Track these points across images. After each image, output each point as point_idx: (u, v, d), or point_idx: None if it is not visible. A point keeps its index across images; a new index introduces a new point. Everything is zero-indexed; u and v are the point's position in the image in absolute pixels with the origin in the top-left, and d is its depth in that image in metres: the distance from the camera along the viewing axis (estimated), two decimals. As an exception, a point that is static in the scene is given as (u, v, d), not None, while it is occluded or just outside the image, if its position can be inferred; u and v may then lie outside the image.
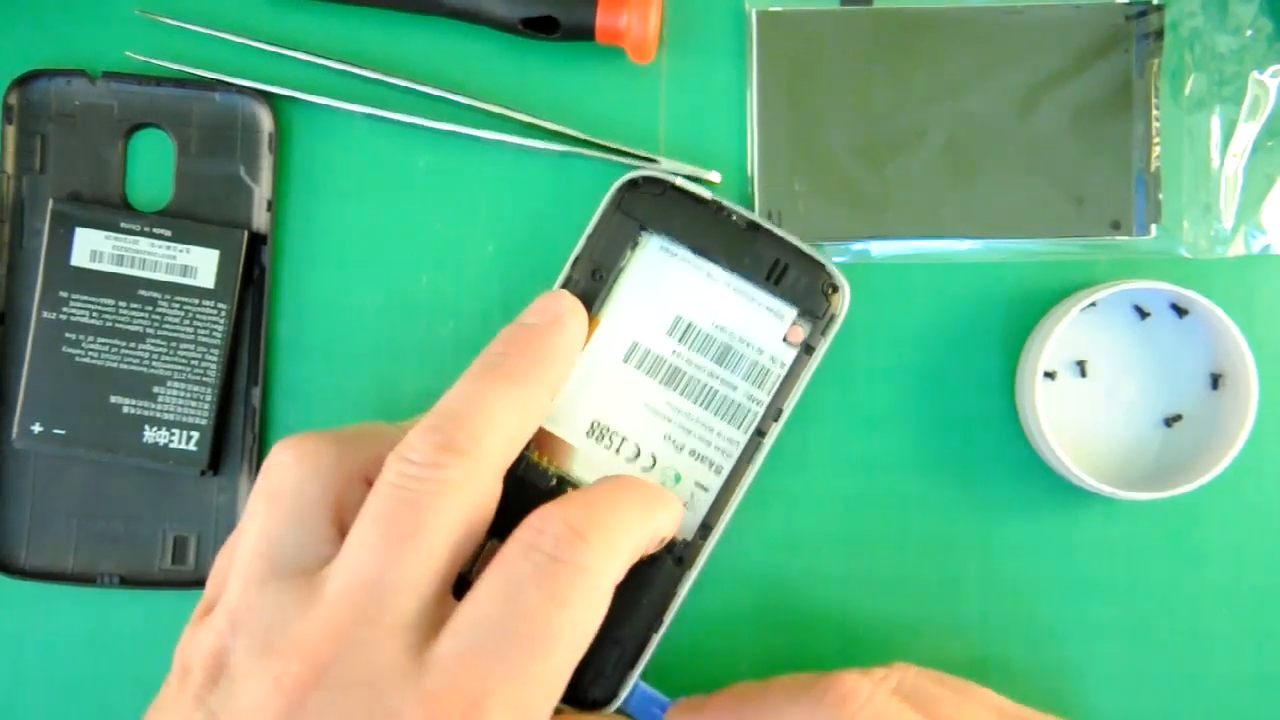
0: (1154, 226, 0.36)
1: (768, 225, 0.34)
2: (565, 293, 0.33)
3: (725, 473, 0.33)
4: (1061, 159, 0.36)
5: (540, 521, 0.27)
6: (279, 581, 0.27)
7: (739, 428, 0.33)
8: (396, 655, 0.25)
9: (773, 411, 0.33)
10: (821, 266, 0.33)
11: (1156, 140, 0.36)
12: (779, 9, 0.36)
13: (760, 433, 0.33)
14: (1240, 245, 0.36)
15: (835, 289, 0.34)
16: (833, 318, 0.34)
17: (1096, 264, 0.36)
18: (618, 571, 0.28)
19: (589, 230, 0.34)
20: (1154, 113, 0.35)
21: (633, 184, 0.34)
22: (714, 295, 0.34)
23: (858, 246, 0.36)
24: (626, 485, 0.30)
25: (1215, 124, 0.36)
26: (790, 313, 0.33)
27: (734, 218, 0.34)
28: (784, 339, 0.33)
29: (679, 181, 0.34)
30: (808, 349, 0.33)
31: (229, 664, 0.26)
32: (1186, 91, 0.35)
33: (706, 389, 0.33)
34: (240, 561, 0.27)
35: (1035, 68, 0.36)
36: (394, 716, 0.24)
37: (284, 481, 0.28)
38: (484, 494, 0.28)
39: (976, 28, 0.36)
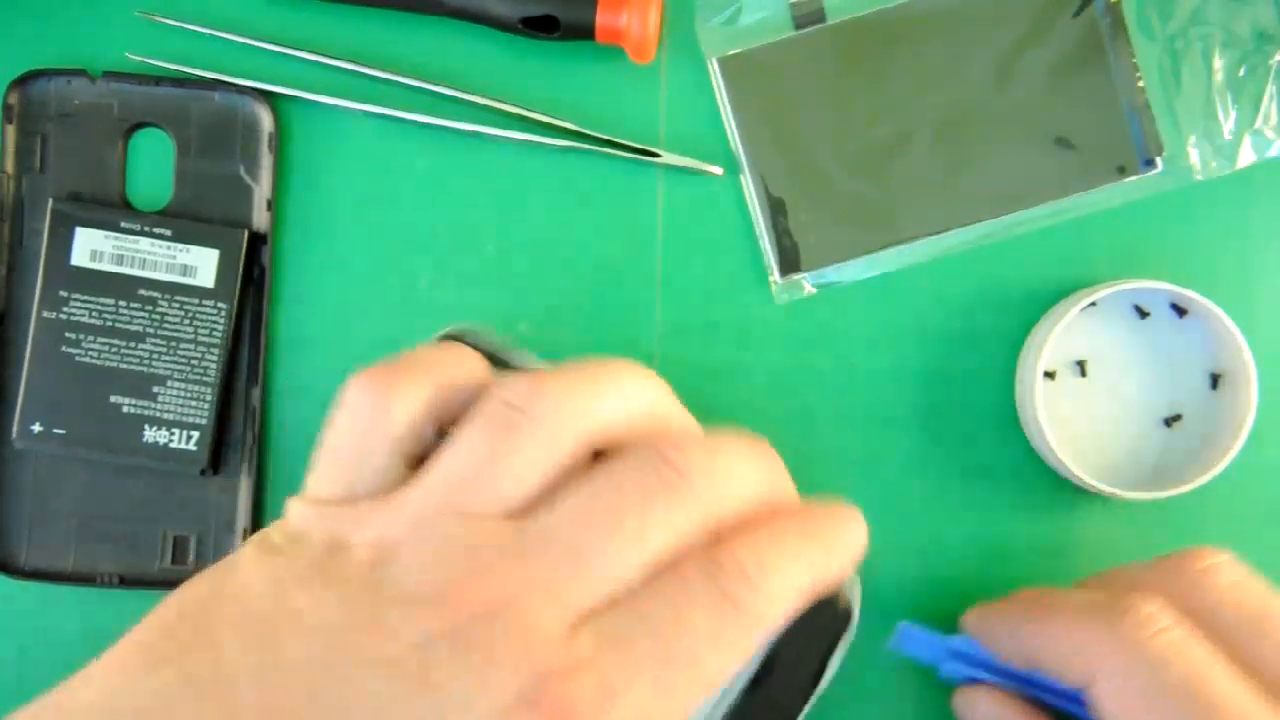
0: (1159, 160, 0.36)
1: None
2: None
3: None
4: (1050, 119, 0.36)
5: (724, 554, 0.26)
6: (481, 517, 0.26)
7: None
8: (554, 627, 0.25)
9: None
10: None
11: (1138, 73, 0.36)
12: (738, 50, 0.36)
13: None
14: (1248, 153, 0.36)
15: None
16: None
17: (1113, 211, 0.36)
18: (782, 619, 0.27)
19: None
20: (1129, 48, 0.35)
21: None
22: None
23: (877, 259, 0.36)
24: (808, 523, 0.28)
25: (1193, 46, 0.36)
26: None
27: None
28: None
29: None
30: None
31: (401, 559, 0.25)
32: (1155, 23, 0.35)
33: None
34: (452, 476, 0.26)
35: (1001, 39, 0.36)
36: (544, 671, 0.24)
37: (523, 423, 0.27)
38: (709, 518, 0.27)
39: (933, 17, 0.36)
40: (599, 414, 0.28)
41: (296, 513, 0.27)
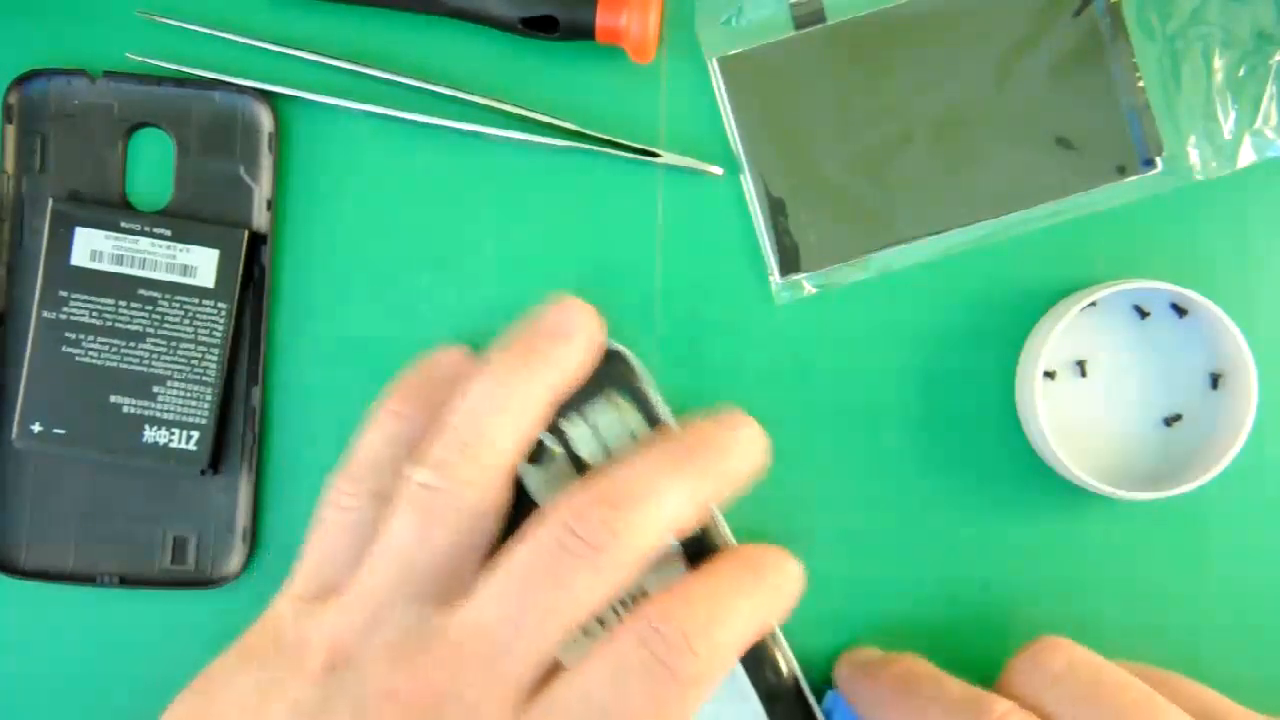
0: (1159, 160, 0.36)
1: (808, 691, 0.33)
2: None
3: None
4: (1050, 119, 0.36)
5: (660, 620, 0.27)
6: (422, 601, 0.28)
7: None
8: (501, 707, 0.27)
9: None
10: None
11: (1138, 73, 0.36)
12: (738, 51, 0.36)
13: None
14: (1248, 153, 0.35)
15: None
16: None
17: (1113, 211, 0.36)
18: (721, 677, 0.28)
19: None
20: (1129, 48, 0.35)
21: None
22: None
23: (876, 259, 0.36)
24: (744, 575, 0.29)
25: (1193, 46, 0.36)
26: None
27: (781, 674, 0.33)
28: None
29: None
30: None
31: (354, 659, 0.27)
32: (1155, 23, 0.35)
33: None
34: (390, 567, 0.28)
35: (1000, 39, 0.36)
36: None
37: (458, 509, 0.29)
38: (626, 580, 0.28)
39: (933, 17, 0.36)
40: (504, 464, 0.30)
41: (273, 611, 0.30)
